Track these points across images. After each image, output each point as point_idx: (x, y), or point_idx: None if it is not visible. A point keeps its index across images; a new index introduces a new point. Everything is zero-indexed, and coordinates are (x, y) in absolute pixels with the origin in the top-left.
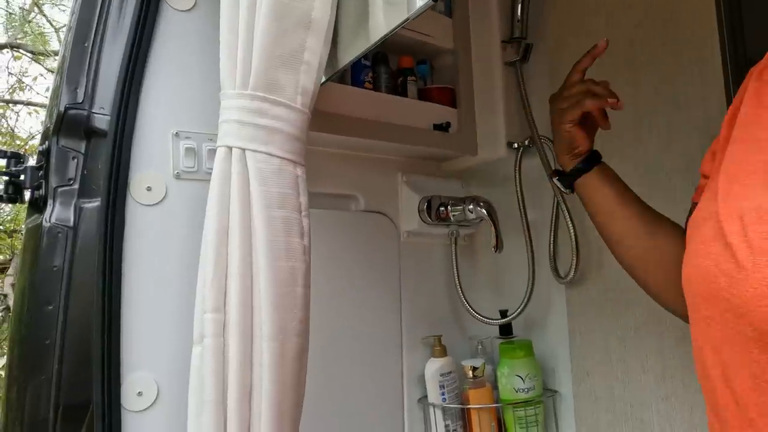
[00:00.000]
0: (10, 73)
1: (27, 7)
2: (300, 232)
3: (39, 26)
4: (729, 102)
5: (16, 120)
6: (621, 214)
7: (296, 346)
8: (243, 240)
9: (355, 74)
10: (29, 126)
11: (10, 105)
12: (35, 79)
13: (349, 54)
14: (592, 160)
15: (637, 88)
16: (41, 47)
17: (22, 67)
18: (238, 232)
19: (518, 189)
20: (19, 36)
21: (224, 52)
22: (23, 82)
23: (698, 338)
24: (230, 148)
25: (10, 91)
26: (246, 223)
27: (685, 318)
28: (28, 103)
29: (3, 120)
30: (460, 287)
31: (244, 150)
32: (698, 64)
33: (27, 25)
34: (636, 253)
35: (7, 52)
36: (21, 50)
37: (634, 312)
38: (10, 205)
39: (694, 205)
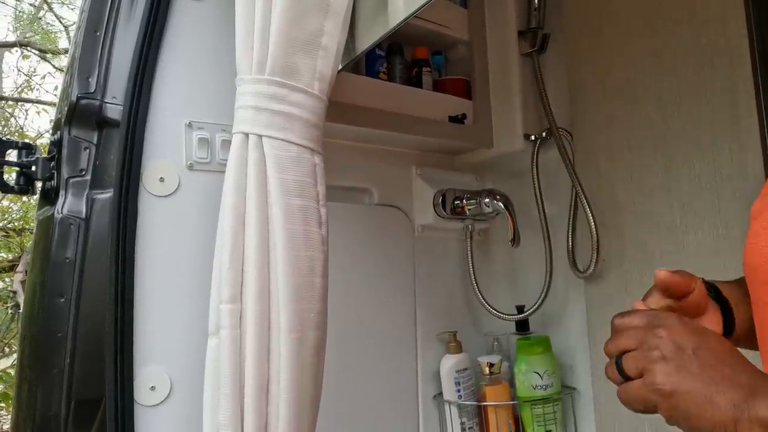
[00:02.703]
0: (19, 71)
1: (37, 4)
2: (318, 222)
3: (49, 24)
4: (756, 90)
5: (25, 118)
6: None
7: (315, 339)
8: (260, 229)
9: (370, 65)
10: (38, 125)
11: (19, 104)
12: (44, 77)
13: (367, 39)
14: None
15: (661, 78)
16: (50, 45)
17: (30, 66)
18: (255, 220)
19: (535, 182)
20: (28, 35)
21: (240, 37)
22: (32, 80)
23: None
24: (246, 135)
25: (19, 90)
26: (263, 211)
27: None
28: (37, 101)
29: (12, 119)
30: (476, 282)
31: (260, 137)
32: (726, 54)
33: (36, 22)
34: None
35: (16, 50)
36: (30, 48)
37: None
38: (18, 204)
39: None
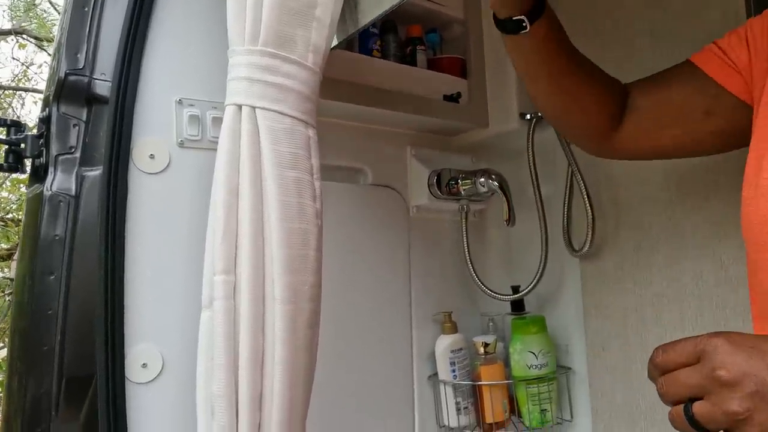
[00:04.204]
0: (13, 58)
1: None
2: (312, 195)
3: (44, 11)
4: None
5: (21, 107)
6: (552, 75)
7: (309, 312)
8: (254, 200)
9: (363, 42)
10: (35, 115)
11: (16, 93)
12: (40, 67)
13: (367, 16)
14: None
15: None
16: (45, 33)
17: (27, 57)
18: (248, 192)
19: (531, 161)
20: (24, 23)
21: (232, 7)
22: (29, 69)
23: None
24: (240, 107)
25: (17, 80)
26: (257, 183)
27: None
28: (34, 90)
29: (9, 108)
30: (471, 263)
31: (254, 108)
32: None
33: (32, 10)
34: (560, 103)
35: (12, 39)
36: (25, 36)
37: (652, 284)
38: (16, 195)
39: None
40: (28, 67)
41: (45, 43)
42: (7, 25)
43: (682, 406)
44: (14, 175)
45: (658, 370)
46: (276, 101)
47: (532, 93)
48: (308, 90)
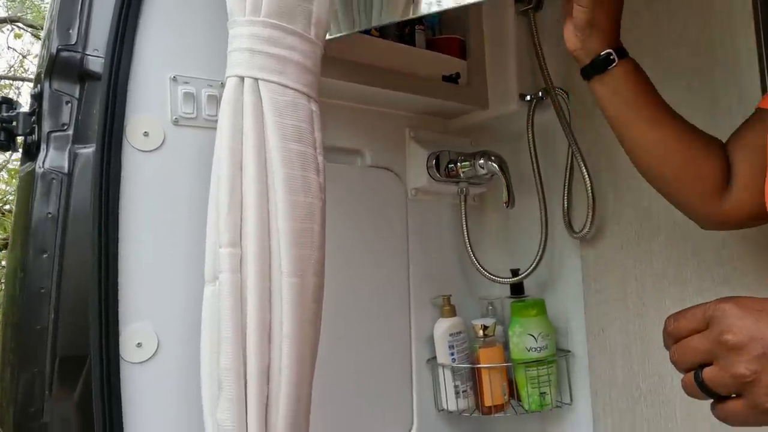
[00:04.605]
0: (9, 47)
1: None
2: (316, 169)
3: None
4: (758, 41)
5: (18, 97)
6: (649, 120)
7: (315, 286)
8: (258, 173)
9: None
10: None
11: (12, 83)
12: (36, 57)
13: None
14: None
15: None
16: (42, 21)
17: (23, 47)
18: (253, 165)
19: (531, 143)
20: (19, 13)
21: None
22: (25, 59)
23: None
24: (242, 78)
25: (13, 70)
26: (261, 155)
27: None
28: (30, 80)
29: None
30: (470, 246)
31: (257, 80)
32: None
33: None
34: (670, 167)
35: (8, 29)
36: (20, 24)
37: (653, 265)
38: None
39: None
40: (24, 57)
41: (41, 32)
42: (2, 14)
43: (693, 373)
44: (11, 166)
45: (671, 339)
46: (278, 73)
47: (628, 144)
48: (310, 63)
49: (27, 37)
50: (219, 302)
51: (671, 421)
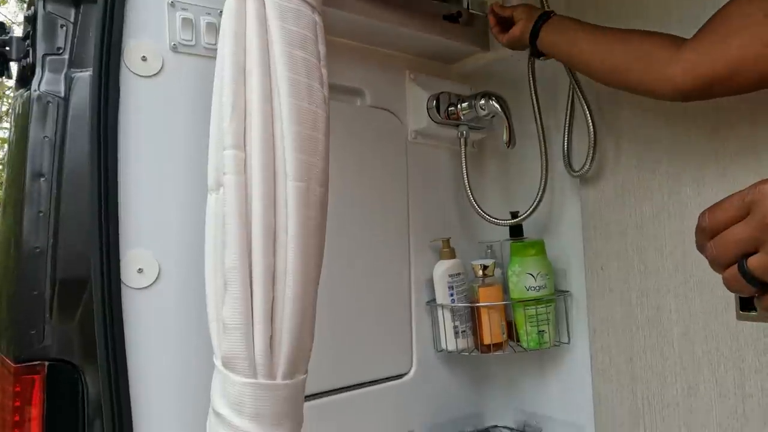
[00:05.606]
0: None
1: None
2: (320, 80)
3: None
4: None
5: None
6: (590, 42)
7: (320, 194)
8: (262, 78)
9: None
10: None
11: None
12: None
13: None
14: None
15: None
16: None
17: (7, 18)
18: (257, 69)
19: (531, 84)
20: None
21: None
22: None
23: None
24: None
25: None
26: (265, 59)
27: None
28: None
29: None
30: (470, 189)
31: None
32: None
33: None
34: (622, 60)
35: None
36: None
37: (653, 199)
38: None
39: None
40: (9, 27)
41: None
42: None
43: (735, 266)
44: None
45: (706, 235)
46: None
47: (586, 67)
48: None
49: (11, 6)
50: (223, 208)
51: (668, 346)
